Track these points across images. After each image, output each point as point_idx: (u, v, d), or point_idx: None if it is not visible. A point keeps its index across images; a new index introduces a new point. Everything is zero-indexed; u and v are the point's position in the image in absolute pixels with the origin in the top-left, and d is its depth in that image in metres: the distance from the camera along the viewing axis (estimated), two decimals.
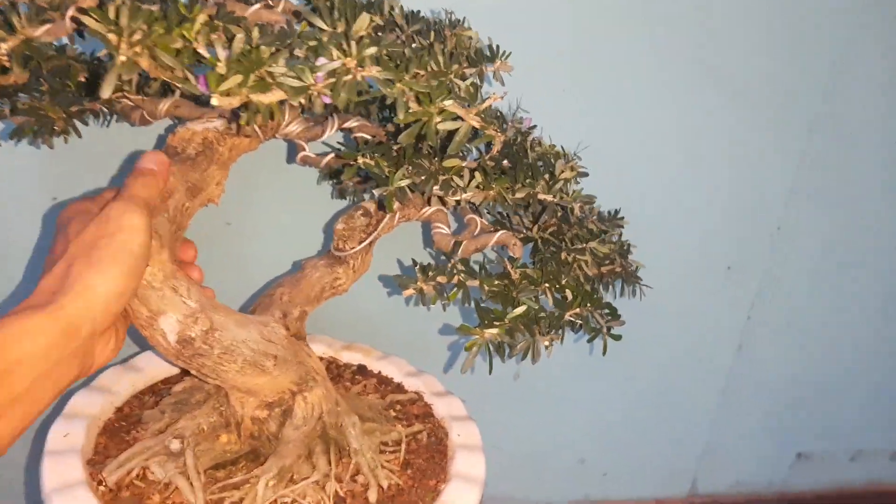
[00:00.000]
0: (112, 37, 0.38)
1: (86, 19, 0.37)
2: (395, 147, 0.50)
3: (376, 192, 0.49)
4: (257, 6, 0.52)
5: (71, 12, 0.41)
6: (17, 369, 0.40)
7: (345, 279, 0.64)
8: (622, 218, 0.64)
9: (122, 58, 0.37)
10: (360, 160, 0.49)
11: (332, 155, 0.59)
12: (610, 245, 0.56)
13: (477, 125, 0.44)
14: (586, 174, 0.55)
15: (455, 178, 0.51)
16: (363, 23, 0.42)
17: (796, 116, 0.95)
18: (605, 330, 0.52)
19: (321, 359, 0.75)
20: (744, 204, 0.99)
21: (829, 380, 1.20)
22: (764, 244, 1.03)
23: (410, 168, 0.50)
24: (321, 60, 0.39)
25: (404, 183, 0.48)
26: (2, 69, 0.45)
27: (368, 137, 0.61)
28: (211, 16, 0.48)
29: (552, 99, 0.85)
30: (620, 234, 0.64)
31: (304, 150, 0.61)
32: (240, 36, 0.39)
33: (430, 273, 0.50)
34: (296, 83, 0.39)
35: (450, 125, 0.44)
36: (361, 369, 0.73)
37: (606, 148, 0.72)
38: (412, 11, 0.60)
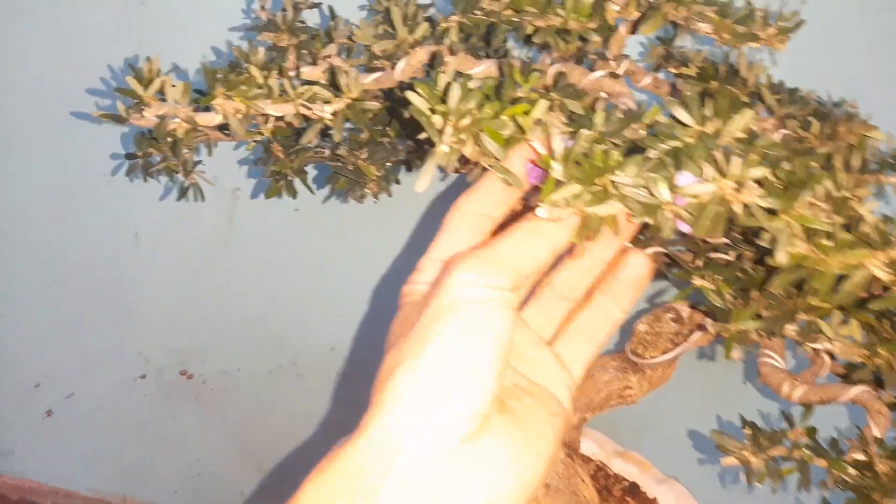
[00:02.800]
0: (437, 119, 0.32)
1: (410, 95, 0.32)
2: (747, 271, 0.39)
3: (711, 328, 0.38)
4: (600, 74, 0.44)
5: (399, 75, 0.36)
6: None
7: (637, 389, 0.54)
8: None
9: (445, 148, 0.32)
10: (697, 282, 0.39)
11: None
12: None
13: (884, 278, 0.31)
14: None
15: (819, 321, 0.38)
16: (744, 120, 0.31)
17: None
18: None
19: (589, 460, 0.66)
20: None
21: None
22: None
23: (762, 299, 0.38)
24: (685, 177, 0.29)
25: (752, 326, 0.36)
26: (324, 129, 0.43)
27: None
28: (546, 87, 0.41)
29: None
30: None
31: None
32: (585, 133, 0.31)
33: (763, 442, 0.38)
34: (646, 199, 0.30)
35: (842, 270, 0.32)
36: (634, 489, 0.62)
37: None
38: (780, 84, 0.48)
